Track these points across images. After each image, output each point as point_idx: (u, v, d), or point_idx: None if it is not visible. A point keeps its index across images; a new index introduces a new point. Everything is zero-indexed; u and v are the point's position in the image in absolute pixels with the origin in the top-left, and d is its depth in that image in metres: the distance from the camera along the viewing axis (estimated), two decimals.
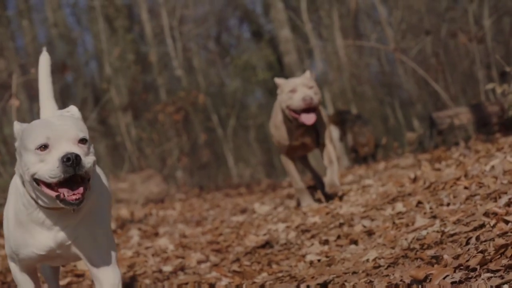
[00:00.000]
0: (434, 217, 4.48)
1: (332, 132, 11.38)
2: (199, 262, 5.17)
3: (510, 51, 15.25)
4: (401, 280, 3.36)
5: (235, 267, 4.79)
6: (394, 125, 19.16)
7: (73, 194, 2.73)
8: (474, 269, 3.17)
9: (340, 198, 6.25)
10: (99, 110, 17.84)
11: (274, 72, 18.52)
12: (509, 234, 3.50)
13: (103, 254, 2.98)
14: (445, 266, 3.33)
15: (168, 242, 6.03)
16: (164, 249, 5.79)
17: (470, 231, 3.84)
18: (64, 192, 2.74)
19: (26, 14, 18.05)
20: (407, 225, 4.55)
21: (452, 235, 3.90)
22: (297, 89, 6.05)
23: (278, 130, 6.34)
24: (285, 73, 16.28)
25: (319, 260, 4.43)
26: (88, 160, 2.78)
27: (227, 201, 9.32)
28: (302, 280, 3.98)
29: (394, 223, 4.71)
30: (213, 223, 7.06)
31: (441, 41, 16.34)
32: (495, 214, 3.87)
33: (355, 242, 4.63)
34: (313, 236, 5.17)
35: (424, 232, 4.14)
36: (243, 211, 7.61)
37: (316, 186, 6.89)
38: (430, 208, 4.77)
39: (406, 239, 4.16)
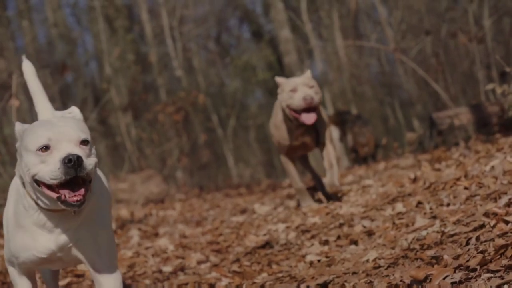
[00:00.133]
0: (434, 217, 4.48)
1: (332, 133, 11.38)
2: (199, 263, 5.17)
3: (510, 52, 15.25)
4: (401, 281, 3.36)
5: (235, 267, 4.79)
6: (394, 125, 19.16)
7: (74, 196, 2.71)
8: (474, 270, 3.17)
9: (340, 199, 6.25)
10: (99, 110, 17.83)
11: (274, 73, 18.50)
12: (509, 234, 3.50)
13: (104, 256, 2.95)
14: (445, 266, 3.33)
15: (168, 242, 6.03)
16: (164, 250, 5.79)
17: (470, 231, 3.84)
18: (65, 193, 2.71)
19: (26, 14, 18.05)
20: (407, 226, 4.55)
21: (452, 236, 3.90)
22: (297, 89, 6.04)
23: (278, 130, 6.33)
24: (285, 73, 16.26)
25: (319, 261, 4.43)
26: (89, 162, 2.75)
27: (227, 201, 9.32)
28: (302, 280, 3.97)
29: (394, 223, 4.71)
30: (213, 223, 7.06)
31: (441, 41, 16.34)
32: (495, 214, 3.87)
33: (355, 243, 4.63)
34: (313, 237, 5.17)
35: (424, 233, 4.14)
36: (243, 211, 7.61)
37: (316, 187, 6.89)
38: (430, 208, 4.77)
39: (406, 239, 4.16)
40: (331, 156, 6.24)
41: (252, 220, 6.60)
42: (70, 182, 2.71)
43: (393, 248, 4.15)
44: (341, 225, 5.23)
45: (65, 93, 18.66)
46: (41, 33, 20.91)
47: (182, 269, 5.05)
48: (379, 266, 3.83)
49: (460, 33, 15.14)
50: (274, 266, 4.61)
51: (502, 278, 2.97)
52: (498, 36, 16.29)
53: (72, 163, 2.68)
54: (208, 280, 4.48)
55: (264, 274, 4.41)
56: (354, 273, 3.83)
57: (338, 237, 4.88)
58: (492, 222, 3.73)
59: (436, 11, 17.30)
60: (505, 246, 3.23)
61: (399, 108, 19.18)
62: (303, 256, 4.61)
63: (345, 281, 3.68)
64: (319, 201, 6.49)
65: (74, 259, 2.96)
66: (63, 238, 2.88)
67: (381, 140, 13.22)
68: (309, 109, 6.01)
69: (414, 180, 5.88)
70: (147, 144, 17.61)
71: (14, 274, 3.05)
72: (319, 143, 6.30)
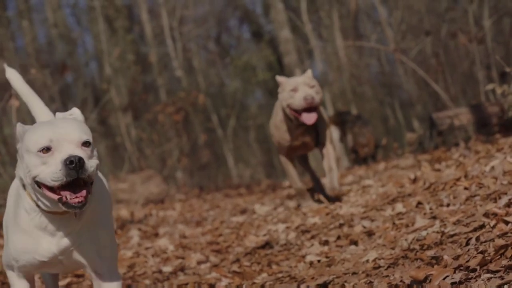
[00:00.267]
0: (434, 217, 4.48)
1: (332, 133, 11.38)
2: (199, 263, 5.17)
3: (510, 52, 15.25)
4: (401, 281, 3.36)
5: (235, 267, 4.79)
6: (394, 125, 19.16)
7: (76, 197, 2.68)
8: (474, 270, 3.17)
9: (340, 199, 6.25)
10: (99, 110, 17.84)
11: (274, 73, 18.51)
12: (509, 234, 3.50)
13: (105, 259, 2.93)
14: (445, 266, 3.33)
15: (168, 243, 6.03)
16: (164, 250, 5.79)
17: (470, 231, 3.84)
18: (67, 195, 2.68)
19: (26, 14, 18.06)
20: (407, 226, 4.55)
21: (452, 236, 3.90)
22: (298, 88, 6.04)
23: (278, 130, 6.32)
24: (285, 74, 16.25)
25: (319, 261, 4.43)
26: (91, 164, 2.72)
27: (227, 201, 9.32)
28: (302, 280, 3.97)
29: (394, 223, 4.71)
30: (213, 223, 7.06)
31: (441, 41, 16.34)
32: (495, 214, 3.87)
33: (355, 243, 4.64)
34: (313, 237, 5.17)
35: (424, 233, 4.14)
36: (243, 211, 7.61)
37: (315, 188, 6.88)
38: (430, 208, 4.77)
39: (406, 239, 4.16)
40: (330, 159, 6.23)
41: (252, 221, 6.60)
42: (72, 183, 2.68)
43: (393, 248, 4.15)
44: (341, 225, 5.23)
45: (65, 93, 18.67)
46: (41, 33, 20.94)
47: (182, 269, 5.05)
48: (379, 267, 3.83)
49: (460, 33, 15.15)
50: (274, 267, 4.61)
51: (502, 279, 2.97)
52: (498, 36, 16.30)
53: (74, 164, 2.65)
54: (208, 280, 4.48)
55: (264, 275, 4.41)
56: (354, 273, 3.83)
57: (338, 238, 4.88)
58: (492, 223, 3.73)
59: (436, 12, 17.30)
60: (505, 247, 3.23)
61: (399, 109, 19.19)
62: (303, 257, 4.61)
63: (345, 281, 3.68)
64: (319, 201, 6.49)
65: (74, 263, 2.92)
66: (65, 241, 2.85)
67: (381, 140, 13.22)
68: (309, 109, 6.00)
69: (414, 181, 5.88)
70: (147, 145, 17.62)
71: (13, 278, 3.01)
72: (319, 143, 6.30)
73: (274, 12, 17.55)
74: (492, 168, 5.07)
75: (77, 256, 2.89)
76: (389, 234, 4.50)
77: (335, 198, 6.40)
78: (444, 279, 3.15)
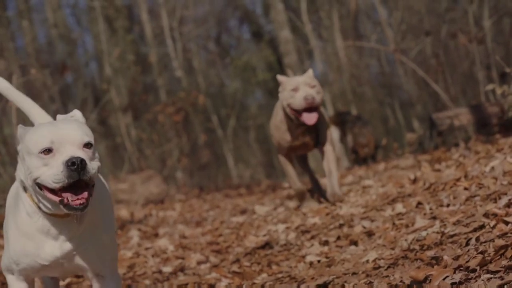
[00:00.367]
0: (434, 218, 4.48)
1: (332, 133, 11.38)
2: (199, 263, 5.17)
3: (510, 52, 15.25)
4: (401, 281, 3.36)
5: (235, 268, 4.80)
6: (394, 126, 19.15)
7: (77, 199, 2.65)
8: (474, 270, 3.17)
9: (340, 200, 6.25)
10: (99, 110, 17.84)
11: (274, 73, 18.51)
12: (509, 235, 3.50)
13: (107, 262, 2.92)
14: (445, 267, 3.33)
15: (168, 243, 6.03)
16: (164, 250, 5.79)
17: (470, 232, 3.84)
18: (68, 196, 2.66)
19: (26, 14, 18.06)
20: (407, 226, 4.55)
21: (452, 236, 3.90)
22: (299, 88, 6.03)
23: (278, 130, 6.31)
24: (285, 74, 16.27)
25: (319, 261, 4.43)
26: (93, 166, 2.70)
27: (227, 201, 9.32)
28: (302, 281, 3.98)
29: (394, 224, 4.71)
30: (213, 223, 7.06)
31: (441, 42, 16.34)
32: (495, 215, 3.87)
33: (355, 243, 4.64)
34: (313, 237, 5.17)
35: (424, 233, 4.14)
36: (243, 212, 7.61)
37: (314, 189, 6.87)
38: (430, 209, 4.77)
39: (406, 240, 4.17)
40: (330, 161, 6.21)
41: (252, 221, 6.60)
42: (73, 185, 2.66)
43: (393, 248, 4.15)
44: (341, 225, 5.23)
45: (65, 93, 18.66)
46: (41, 33, 20.93)
47: (182, 269, 5.05)
48: (379, 267, 3.83)
49: (460, 33, 15.14)
50: (274, 267, 4.61)
51: (502, 279, 2.97)
52: (498, 36, 16.30)
53: (76, 166, 2.63)
54: (208, 280, 4.49)
55: (264, 275, 4.41)
56: (354, 273, 3.83)
57: (338, 238, 4.88)
58: (492, 223, 3.73)
59: (436, 12, 17.30)
60: (505, 247, 3.24)
61: (399, 109, 19.18)
62: (303, 257, 4.61)
63: (345, 281, 3.69)
64: (318, 201, 6.49)
65: (75, 267, 2.90)
66: (68, 245, 2.82)
67: (381, 140, 13.22)
68: (310, 109, 6.00)
69: (414, 181, 5.88)
70: (147, 145, 17.61)
71: (12, 282, 2.97)
72: (319, 143, 6.29)
73: (274, 13, 17.55)
74: (492, 168, 5.07)
75: (79, 260, 2.86)
76: (389, 234, 4.50)
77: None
78: (444, 279, 3.15)
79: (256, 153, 20.55)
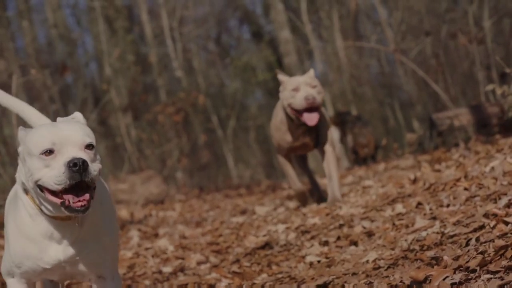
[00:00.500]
0: (434, 218, 4.48)
1: (333, 133, 11.38)
2: (199, 263, 5.17)
3: (510, 53, 15.25)
4: (401, 281, 3.36)
5: (235, 268, 4.80)
6: (394, 126, 19.15)
7: (79, 201, 2.63)
8: (474, 270, 3.17)
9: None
10: (99, 111, 17.84)
11: (274, 73, 18.51)
12: (509, 235, 3.50)
13: (108, 264, 2.90)
14: (445, 267, 3.34)
15: (168, 243, 6.03)
16: (164, 250, 5.79)
17: (470, 232, 3.84)
18: (69, 198, 2.64)
19: (26, 14, 18.06)
20: (407, 226, 4.55)
21: (452, 236, 3.90)
22: (300, 88, 6.02)
23: (278, 131, 6.30)
24: (285, 74, 16.26)
25: (319, 261, 4.43)
26: (94, 167, 2.68)
27: (227, 202, 9.32)
28: (302, 281, 3.98)
29: (394, 224, 4.71)
30: (213, 224, 7.05)
31: (441, 42, 16.34)
32: (495, 215, 3.87)
33: (355, 243, 4.64)
34: (313, 237, 5.17)
35: (424, 233, 4.14)
36: (243, 212, 7.61)
37: (313, 190, 6.86)
38: (430, 209, 4.77)
39: (406, 240, 4.17)
40: (330, 163, 6.18)
41: (252, 221, 6.60)
42: (74, 187, 2.64)
43: (393, 249, 4.15)
44: (341, 226, 5.23)
45: (65, 94, 18.67)
46: (41, 33, 20.92)
47: (182, 269, 5.05)
48: (379, 267, 3.83)
49: (460, 34, 15.14)
50: (274, 267, 4.61)
51: (502, 279, 2.97)
52: (498, 37, 16.30)
53: (77, 167, 2.61)
54: (208, 280, 4.49)
55: (264, 275, 4.41)
56: (354, 274, 3.83)
57: (338, 238, 4.88)
58: (492, 223, 3.74)
59: (436, 12, 17.30)
60: (505, 247, 3.24)
61: (399, 109, 19.18)
62: (303, 257, 4.61)
63: (345, 282, 3.69)
64: (318, 201, 6.49)
65: (76, 271, 2.87)
66: (71, 249, 2.80)
67: (381, 141, 13.22)
68: (311, 109, 5.99)
69: (414, 181, 5.88)
70: (147, 145, 17.62)
71: (13, 286, 2.94)
72: (319, 143, 6.28)
73: (274, 13, 17.55)
74: (492, 168, 5.07)
75: (81, 265, 2.85)
76: (389, 234, 4.51)
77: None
78: (444, 279, 3.16)
79: (256, 153, 20.55)
